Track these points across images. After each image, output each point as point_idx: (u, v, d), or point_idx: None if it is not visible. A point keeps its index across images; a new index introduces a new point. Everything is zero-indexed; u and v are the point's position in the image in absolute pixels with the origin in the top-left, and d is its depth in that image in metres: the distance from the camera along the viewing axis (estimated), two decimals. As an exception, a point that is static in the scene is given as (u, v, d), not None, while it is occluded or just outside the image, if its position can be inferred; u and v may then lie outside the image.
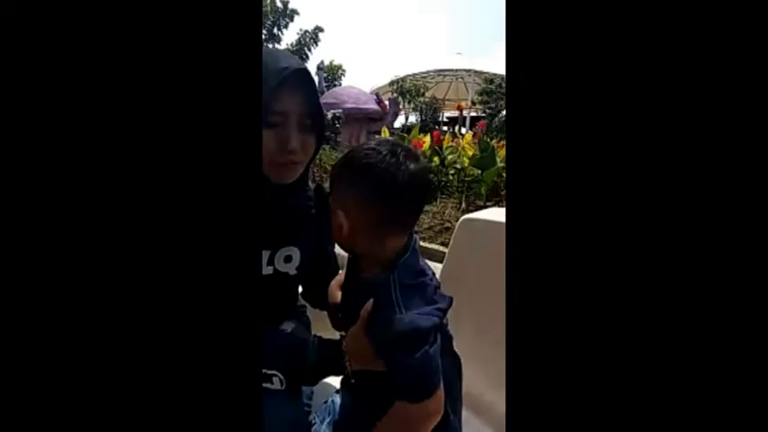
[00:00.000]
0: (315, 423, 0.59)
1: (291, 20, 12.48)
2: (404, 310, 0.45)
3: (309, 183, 0.66)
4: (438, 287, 0.51)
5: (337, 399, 0.61)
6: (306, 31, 12.66)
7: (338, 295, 0.60)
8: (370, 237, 0.49)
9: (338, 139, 8.18)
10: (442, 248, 2.91)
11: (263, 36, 12.48)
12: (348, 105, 9.55)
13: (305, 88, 0.55)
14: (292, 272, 0.63)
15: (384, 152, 0.47)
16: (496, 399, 0.74)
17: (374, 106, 9.79)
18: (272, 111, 0.51)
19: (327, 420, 0.59)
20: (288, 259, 0.62)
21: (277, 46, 12.97)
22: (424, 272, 0.51)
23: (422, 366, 0.44)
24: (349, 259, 0.56)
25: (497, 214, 0.84)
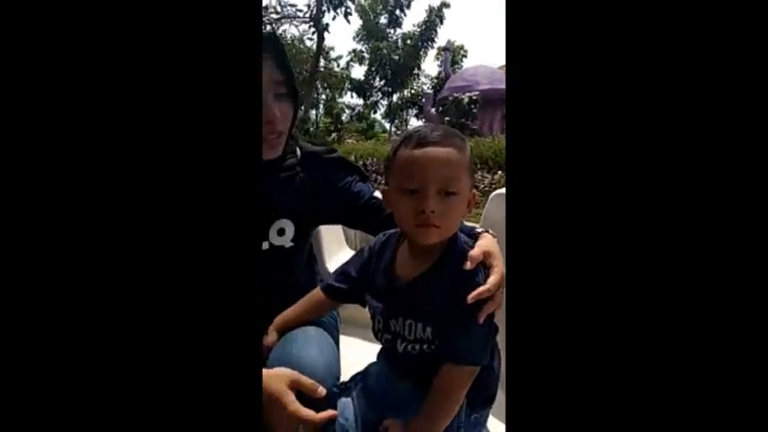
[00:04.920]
0: (350, 386, 0.66)
1: (413, -2, 12.67)
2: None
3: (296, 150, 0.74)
4: None
5: (371, 369, 0.68)
6: (432, 8, 12.65)
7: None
8: None
9: (473, 127, 7.69)
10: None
11: (386, 21, 13.00)
12: (483, 87, 9.01)
13: (273, 56, 0.59)
14: (287, 245, 0.70)
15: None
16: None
17: (514, 85, 8.99)
18: None
19: (360, 386, 0.65)
20: (281, 232, 0.69)
21: (399, 31, 13.40)
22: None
23: (486, 333, 0.56)
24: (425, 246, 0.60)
25: None
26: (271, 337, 0.66)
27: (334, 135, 13.31)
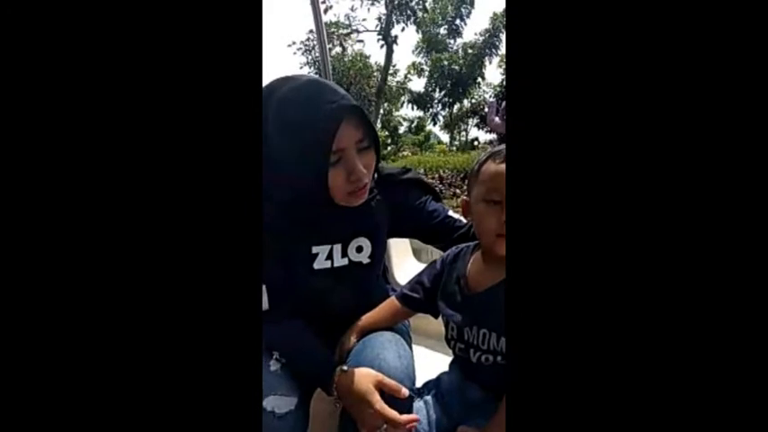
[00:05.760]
0: (423, 392, 0.69)
1: (472, 6, 12.55)
2: None
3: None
4: None
5: (444, 377, 0.71)
6: (496, 15, 12.45)
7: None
8: None
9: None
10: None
11: (444, 31, 13.05)
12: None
13: (354, 119, 0.63)
14: (365, 261, 0.75)
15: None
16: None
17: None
18: (332, 151, 0.61)
19: (432, 393, 0.68)
20: (359, 249, 0.74)
21: (459, 41, 13.38)
22: None
23: None
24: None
25: None
26: (350, 341, 0.72)
27: (390, 148, 13.51)
